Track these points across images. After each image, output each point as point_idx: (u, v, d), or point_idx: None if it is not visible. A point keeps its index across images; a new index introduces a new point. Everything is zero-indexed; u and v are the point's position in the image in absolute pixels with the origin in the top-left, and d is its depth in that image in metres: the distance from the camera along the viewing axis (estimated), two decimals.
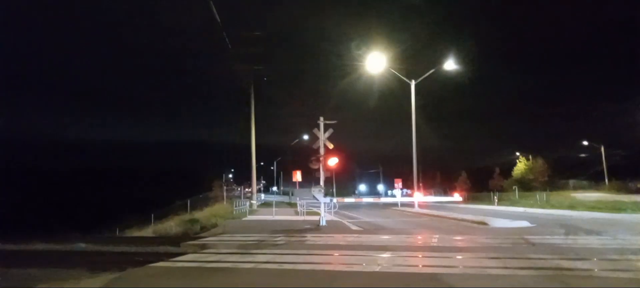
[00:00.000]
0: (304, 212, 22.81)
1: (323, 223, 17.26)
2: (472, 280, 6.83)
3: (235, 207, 28.31)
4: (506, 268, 7.69)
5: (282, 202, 43.19)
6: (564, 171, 53.71)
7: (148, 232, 22.60)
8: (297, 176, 27.82)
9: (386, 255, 9.24)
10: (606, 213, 22.27)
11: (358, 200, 39.06)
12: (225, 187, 43.46)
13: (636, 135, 43.49)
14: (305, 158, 20.07)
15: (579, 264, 7.87)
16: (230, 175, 67.71)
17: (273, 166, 78.88)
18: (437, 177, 68.50)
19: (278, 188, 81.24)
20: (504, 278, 6.91)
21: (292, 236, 13.44)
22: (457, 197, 28.95)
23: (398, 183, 38.00)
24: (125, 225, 26.49)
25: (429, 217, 22.78)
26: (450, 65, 29.92)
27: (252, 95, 34.01)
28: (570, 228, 14.83)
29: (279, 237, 13.25)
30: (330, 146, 18.32)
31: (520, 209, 29.04)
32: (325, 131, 18.44)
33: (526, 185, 49.65)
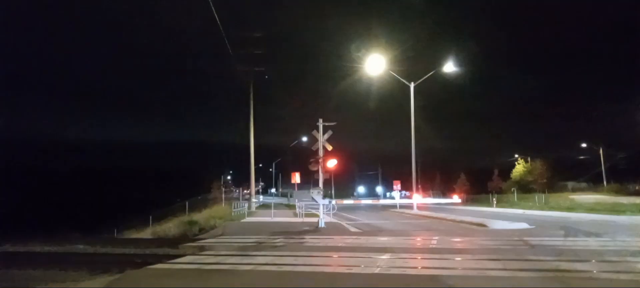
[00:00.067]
0: (302, 213, 22.80)
1: (322, 225, 17.24)
2: (472, 282, 6.83)
3: (234, 208, 28.28)
4: (506, 269, 7.69)
5: (281, 204, 43.13)
6: (563, 172, 53.78)
7: (146, 233, 22.60)
8: (296, 178, 27.80)
9: (385, 256, 9.23)
10: (605, 215, 22.30)
11: (357, 202, 39.11)
12: (224, 189, 43.46)
13: (636, 135, 43.52)
14: (304, 160, 20.09)
15: (578, 266, 7.87)
16: (229, 177, 67.61)
17: (272, 168, 78.81)
18: (437, 178, 68.54)
19: (277, 189, 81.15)
20: (503, 280, 6.91)
21: (291, 238, 13.42)
22: (456, 198, 29.00)
23: (397, 185, 38.02)
24: (124, 227, 26.47)
25: (428, 219, 22.78)
26: (449, 67, 29.95)
27: (252, 96, 34.00)
28: (569, 230, 14.84)
29: (278, 238, 13.24)
30: (329, 148, 18.33)
31: (519, 211, 29.07)
32: (324, 133, 18.44)
33: (525, 187, 49.71)
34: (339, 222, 20.62)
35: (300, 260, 9.07)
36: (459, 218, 20.85)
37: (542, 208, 30.40)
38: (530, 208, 31.39)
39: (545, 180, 50.16)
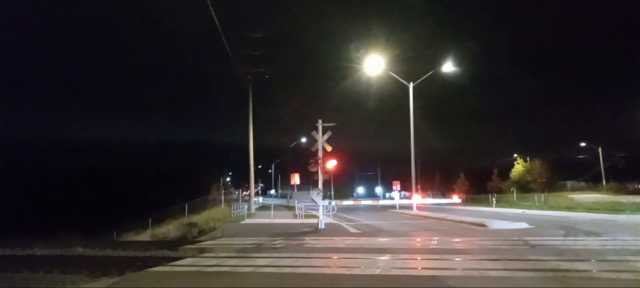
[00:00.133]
0: (302, 215, 22.78)
1: (322, 226, 17.23)
2: (472, 282, 6.82)
3: (234, 210, 28.25)
4: (506, 269, 7.69)
5: (280, 205, 43.15)
6: (564, 171, 53.86)
7: (146, 235, 22.56)
8: (296, 179, 27.79)
9: (386, 257, 9.22)
10: (605, 214, 22.32)
11: (356, 202, 39.09)
12: (223, 190, 43.42)
13: (636, 135, 43.55)
14: (304, 161, 20.07)
15: (578, 265, 7.87)
16: (228, 179, 67.59)
17: (271, 169, 78.85)
18: (436, 178, 68.55)
19: (276, 191, 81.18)
20: (504, 280, 6.90)
21: (291, 239, 13.41)
22: (455, 198, 28.99)
23: (396, 186, 38.02)
24: (123, 229, 26.40)
25: (427, 219, 22.77)
26: (448, 67, 29.98)
27: (250, 96, 33.96)
28: (569, 229, 14.85)
29: (278, 240, 13.22)
30: (329, 149, 18.30)
31: (519, 211, 29.08)
32: (323, 134, 18.42)
33: (524, 187, 49.75)
34: (339, 223, 20.61)
35: (300, 262, 9.05)
36: (458, 218, 20.85)
37: (541, 208, 30.41)
38: (530, 208, 31.41)
39: (544, 180, 50.21)
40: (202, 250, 11.56)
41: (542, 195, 38.81)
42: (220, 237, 15.29)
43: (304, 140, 42.32)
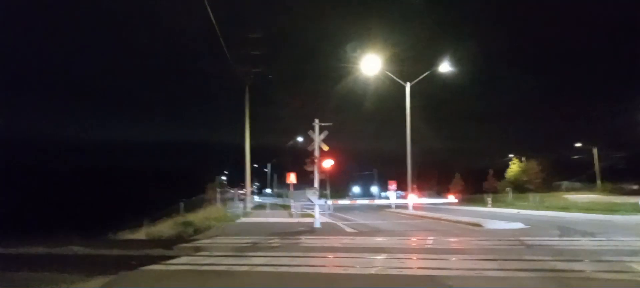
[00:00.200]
0: (298, 214, 22.75)
1: (317, 225, 17.21)
2: (468, 282, 6.82)
3: (229, 209, 28.18)
4: (503, 269, 7.69)
5: (276, 204, 43.11)
6: (562, 172, 54.05)
7: (141, 234, 22.42)
8: (291, 178, 27.76)
9: (382, 257, 9.20)
10: (600, 214, 22.40)
11: (352, 202, 39.12)
12: (219, 189, 43.26)
13: (636, 136, 43.72)
14: (300, 160, 20.03)
15: (574, 265, 7.89)
16: (224, 177, 67.46)
17: (266, 168, 78.75)
18: (433, 178, 68.65)
19: (272, 190, 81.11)
20: (500, 280, 6.90)
21: (287, 238, 13.37)
22: (451, 198, 29.03)
23: (392, 185, 38.03)
24: (117, 228, 26.23)
25: (423, 219, 22.79)
26: (445, 67, 30.09)
27: (247, 96, 33.95)
28: (564, 229, 14.89)
29: (274, 239, 13.18)
30: (325, 148, 18.28)
31: (514, 211, 29.14)
32: (320, 133, 18.39)
33: (520, 187, 49.89)
34: (335, 222, 20.59)
35: (296, 261, 9.02)
36: (454, 218, 20.87)
37: (537, 208, 30.49)
38: (526, 208, 31.48)
39: (540, 180, 50.41)
40: (197, 249, 11.50)
41: (538, 195, 38.92)
42: (216, 236, 15.23)
43: (300, 139, 42.30)
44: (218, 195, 37.33)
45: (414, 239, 13.12)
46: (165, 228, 22.08)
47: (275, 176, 77.48)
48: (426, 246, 11.37)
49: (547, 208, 29.50)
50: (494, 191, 49.99)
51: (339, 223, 19.82)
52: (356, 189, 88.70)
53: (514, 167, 54.63)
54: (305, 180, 24.31)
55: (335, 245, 11.89)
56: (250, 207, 34.62)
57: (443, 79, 32.28)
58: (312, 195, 17.66)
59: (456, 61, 30.55)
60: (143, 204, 25.20)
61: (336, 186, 70.61)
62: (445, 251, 10.16)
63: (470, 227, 17.13)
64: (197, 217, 24.77)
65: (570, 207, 28.69)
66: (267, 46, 32.50)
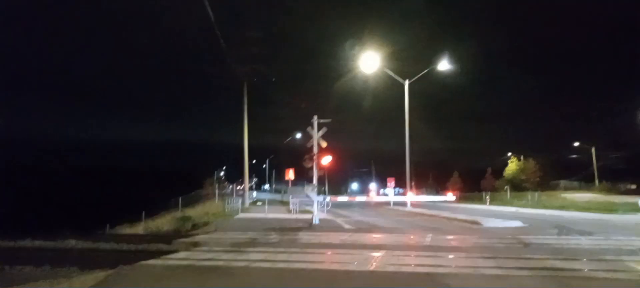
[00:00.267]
0: (296, 210, 22.74)
1: (316, 221, 17.20)
2: (466, 280, 6.82)
3: (228, 204, 28.14)
4: (501, 268, 7.69)
5: (275, 200, 43.07)
6: (561, 171, 54.21)
7: (139, 229, 22.40)
8: (290, 174, 27.78)
9: (380, 254, 9.20)
10: (597, 213, 22.46)
11: (351, 198, 39.17)
12: (217, 185, 43.26)
13: (635, 136, 43.78)
14: (299, 157, 20.01)
15: (572, 264, 7.90)
16: (222, 173, 67.47)
17: (265, 164, 78.80)
18: (431, 176, 68.73)
19: (270, 186, 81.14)
20: (498, 278, 6.91)
21: (285, 234, 13.37)
22: (450, 196, 29.06)
23: (390, 182, 38.07)
24: (116, 223, 26.21)
25: (421, 216, 22.80)
26: (444, 65, 30.08)
27: (245, 94, 33.99)
28: (562, 228, 14.91)
29: (272, 235, 13.18)
30: (324, 145, 18.25)
31: (512, 209, 29.20)
32: (319, 130, 18.36)
33: (518, 186, 49.99)
34: (333, 218, 20.58)
35: (294, 257, 9.02)
36: (452, 216, 20.89)
37: (535, 207, 30.55)
38: (523, 206, 31.54)
39: (538, 179, 50.51)
40: (195, 244, 11.49)
41: (536, 194, 39.01)
42: (214, 231, 15.21)
43: (298, 135, 42.29)
44: (216, 191, 37.35)
45: (412, 237, 13.12)
46: (163, 223, 22.11)
47: (273, 172, 77.56)
48: (424, 244, 11.37)
49: (545, 207, 29.57)
50: (493, 189, 50.09)
51: (338, 220, 19.81)
52: (354, 186, 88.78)
53: (512, 165, 54.72)
54: (303, 177, 24.32)
55: (334, 241, 11.89)
56: (248, 202, 34.62)
57: (443, 79, 32.33)
58: (311, 191, 17.64)
59: (456, 61, 30.58)
60: (144, 205, 25.23)
61: (335, 183, 70.73)
62: (443, 249, 10.16)
63: (468, 225, 17.14)
64: (195, 212, 24.78)
65: (568, 205, 28.75)
66: (267, 46, 32.54)
